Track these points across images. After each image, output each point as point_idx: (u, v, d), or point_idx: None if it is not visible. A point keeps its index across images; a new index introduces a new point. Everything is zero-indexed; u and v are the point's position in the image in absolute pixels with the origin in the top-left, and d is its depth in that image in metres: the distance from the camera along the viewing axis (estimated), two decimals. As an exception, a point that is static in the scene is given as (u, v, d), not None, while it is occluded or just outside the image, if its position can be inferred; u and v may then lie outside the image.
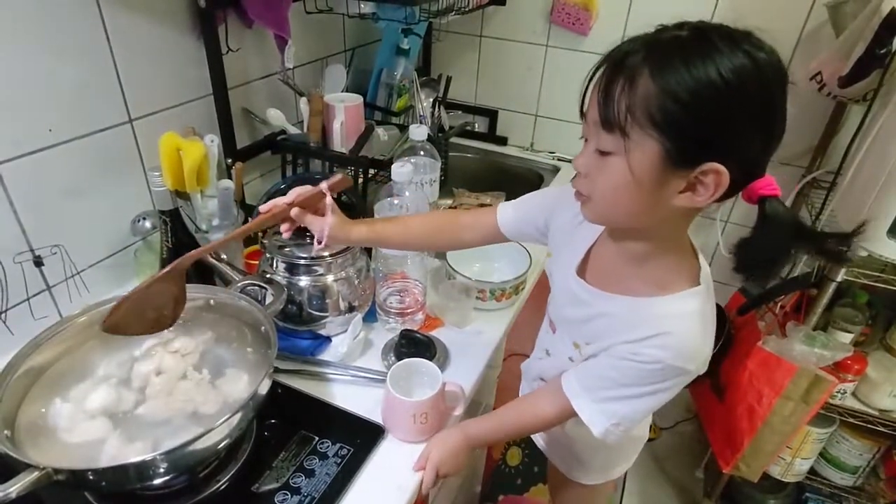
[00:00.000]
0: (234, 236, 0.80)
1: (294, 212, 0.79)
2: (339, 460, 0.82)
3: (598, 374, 0.75)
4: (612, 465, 1.08)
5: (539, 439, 1.15)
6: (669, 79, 0.55)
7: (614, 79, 0.59)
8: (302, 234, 0.91)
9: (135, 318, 0.75)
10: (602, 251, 0.78)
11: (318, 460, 0.82)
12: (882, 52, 1.14)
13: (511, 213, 0.89)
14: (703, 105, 0.56)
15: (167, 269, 0.74)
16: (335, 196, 0.82)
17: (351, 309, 1.01)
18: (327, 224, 0.81)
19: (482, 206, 1.36)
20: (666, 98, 0.56)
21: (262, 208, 0.80)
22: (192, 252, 0.76)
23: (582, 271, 0.79)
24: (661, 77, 0.56)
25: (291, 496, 0.77)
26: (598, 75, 0.62)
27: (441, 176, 1.36)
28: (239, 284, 0.92)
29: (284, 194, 0.81)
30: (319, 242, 0.82)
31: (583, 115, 0.65)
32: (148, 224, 1.07)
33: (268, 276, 0.97)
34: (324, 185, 0.81)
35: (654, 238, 0.70)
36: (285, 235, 0.83)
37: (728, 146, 0.58)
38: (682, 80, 0.55)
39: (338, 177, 0.82)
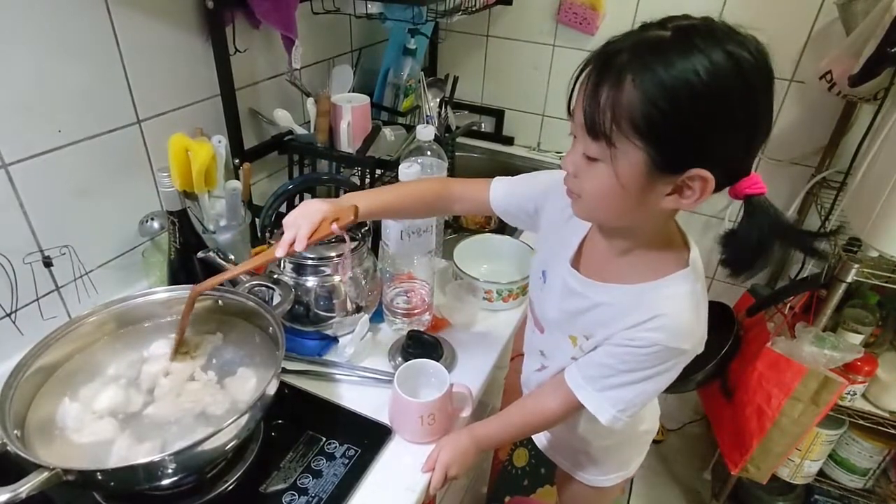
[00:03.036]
0: (239, 272, 0.82)
1: (304, 245, 0.76)
2: (347, 461, 0.82)
3: (599, 363, 0.76)
4: (627, 461, 1.07)
5: (547, 445, 1.14)
6: (651, 86, 0.55)
7: (599, 85, 0.59)
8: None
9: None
10: (593, 243, 0.79)
11: (325, 461, 0.82)
12: (893, 50, 1.13)
13: (503, 193, 0.89)
14: (685, 112, 0.56)
15: (187, 305, 0.81)
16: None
17: (358, 309, 1.01)
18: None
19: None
20: (649, 106, 0.56)
21: (278, 253, 0.76)
22: (203, 283, 0.79)
23: (576, 263, 0.80)
24: (642, 84, 0.56)
25: (299, 497, 0.77)
26: (583, 75, 0.61)
27: (448, 176, 1.35)
28: (247, 285, 0.92)
29: (292, 195, 0.80)
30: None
31: (570, 112, 0.65)
32: (156, 225, 1.07)
33: (275, 276, 0.97)
34: (335, 228, 0.77)
35: (641, 233, 0.72)
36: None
37: (711, 152, 0.59)
38: (664, 87, 0.55)
39: (350, 218, 0.78)
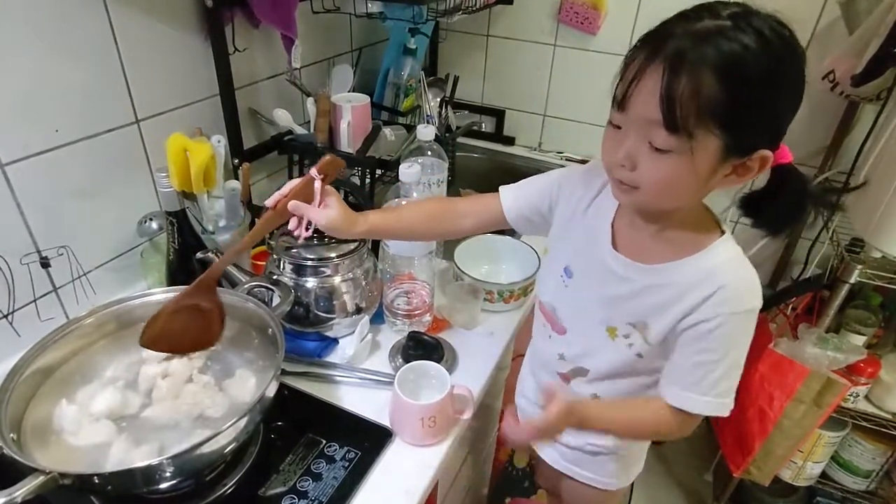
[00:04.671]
0: (249, 241, 0.78)
1: (291, 205, 0.76)
2: (347, 464, 0.82)
3: (693, 364, 0.73)
4: (640, 457, 1.04)
5: (559, 458, 1.02)
6: (731, 76, 0.57)
7: (675, 79, 0.58)
8: (319, 234, 0.89)
9: (177, 335, 0.76)
10: (625, 225, 0.78)
11: (325, 464, 0.81)
12: (897, 49, 1.13)
13: (513, 197, 0.89)
14: (762, 97, 0.59)
15: (198, 280, 0.75)
16: (337, 187, 0.80)
17: (358, 310, 1.01)
18: (314, 213, 0.77)
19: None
20: (730, 95, 0.58)
21: (268, 202, 0.77)
22: (218, 262, 0.76)
23: (614, 246, 0.78)
24: (724, 75, 0.57)
25: (299, 500, 0.76)
26: (648, 71, 0.60)
27: (448, 176, 1.35)
28: (246, 286, 0.91)
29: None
30: (307, 229, 0.78)
31: (619, 106, 0.64)
32: (154, 225, 1.06)
33: (275, 277, 0.96)
34: (313, 171, 0.77)
35: (685, 212, 0.73)
36: (304, 235, 0.79)
37: (777, 133, 0.64)
38: (743, 75, 0.57)
39: (326, 158, 0.78)
